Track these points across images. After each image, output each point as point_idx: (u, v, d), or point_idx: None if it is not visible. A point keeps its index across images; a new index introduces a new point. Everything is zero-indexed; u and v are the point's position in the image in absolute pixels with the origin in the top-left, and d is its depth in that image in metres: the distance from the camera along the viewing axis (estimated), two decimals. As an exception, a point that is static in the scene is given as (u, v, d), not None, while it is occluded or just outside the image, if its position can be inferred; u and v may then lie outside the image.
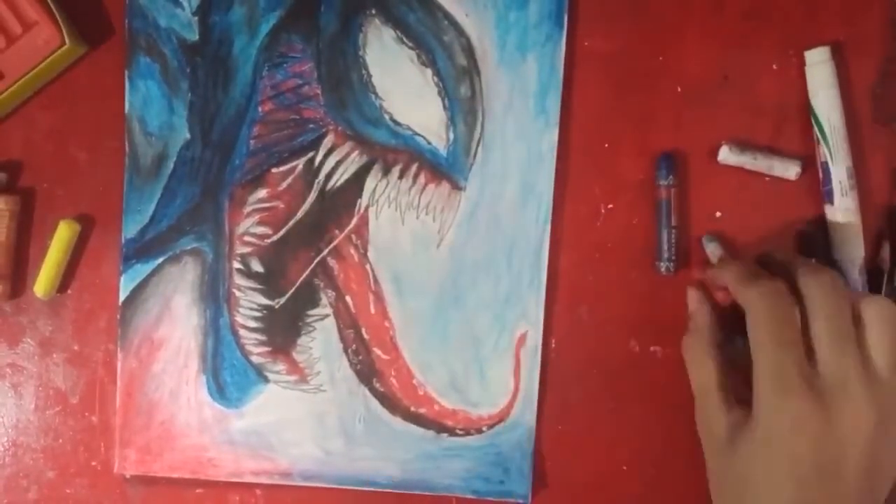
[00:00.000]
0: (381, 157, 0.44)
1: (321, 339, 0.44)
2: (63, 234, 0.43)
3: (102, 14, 0.43)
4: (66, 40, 0.41)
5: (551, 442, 0.44)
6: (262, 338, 0.44)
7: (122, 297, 0.44)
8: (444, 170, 0.44)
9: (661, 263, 0.43)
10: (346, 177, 0.44)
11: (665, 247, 0.43)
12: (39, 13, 0.41)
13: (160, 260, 0.44)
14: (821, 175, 0.43)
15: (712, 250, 0.43)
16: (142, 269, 0.44)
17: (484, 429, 0.44)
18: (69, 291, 0.44)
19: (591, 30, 0.43)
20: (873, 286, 0.43)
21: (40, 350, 0.44)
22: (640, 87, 0.43)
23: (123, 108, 0.43)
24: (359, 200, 0.44)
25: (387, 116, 0.44)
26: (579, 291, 0.44)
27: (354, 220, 0.44)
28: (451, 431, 0.44)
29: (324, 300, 0.44)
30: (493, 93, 0.43)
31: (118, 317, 0.44)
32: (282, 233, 0.44)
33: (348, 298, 0.44)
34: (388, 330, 0.44)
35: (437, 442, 0.44)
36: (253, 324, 0.44)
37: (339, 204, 0.44)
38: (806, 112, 0.43)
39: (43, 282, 0.43)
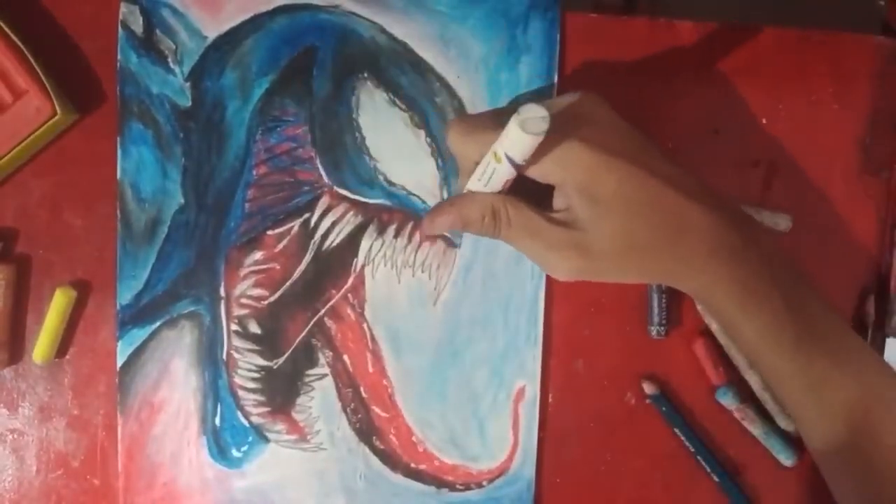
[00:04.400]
0: (377, 217, 0.44)
1: (320, 398, 0.45)
2: (60, 302, 0.43)
3: (93, 81, 0.43)
4: (58, 109, 0.41)
5: (551, 494, 0.45)
6: (261, 398, 0.45)
7: (119, 361, 0.44)
8: (438, 228, 0.44)
9: (653, 328, 0.44)
10: (341, 237, 0.44)
11: (656, 311, 0.43)
12: (29, 82, 0.41)
13: (157, 324, 0.44)
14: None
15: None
16: (138, 334, 0.44)
17: (484, 483, 0.45)
18: (67, 357, 0.44)
19: (582, 88, 0.43)
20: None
21: (40, 415, 0.45)
22: (632, 144, 0.44)
23: (116, 174, 0.43)
24: (355, 260, 0.44)
25: (381, 177, 0.44)
26: (575, 346, 0.45)
27: (351, 280, 0.44)
28: (452, 487, 0.45)
29: (322, 360, 0.45)
30: (486, 151, 0.44)
31: (116, 381, 0.44)
32: (278, 294, 0.44)
33: (346, 358, 0.45)
34: (386, 388, 0.45)
35: (437, 497, 0.45)
36: (252, 385, 0.45)
37: (336, 264, 0.44)
38: (795, 165, 0.43)
39: (41, 348, 0.43)
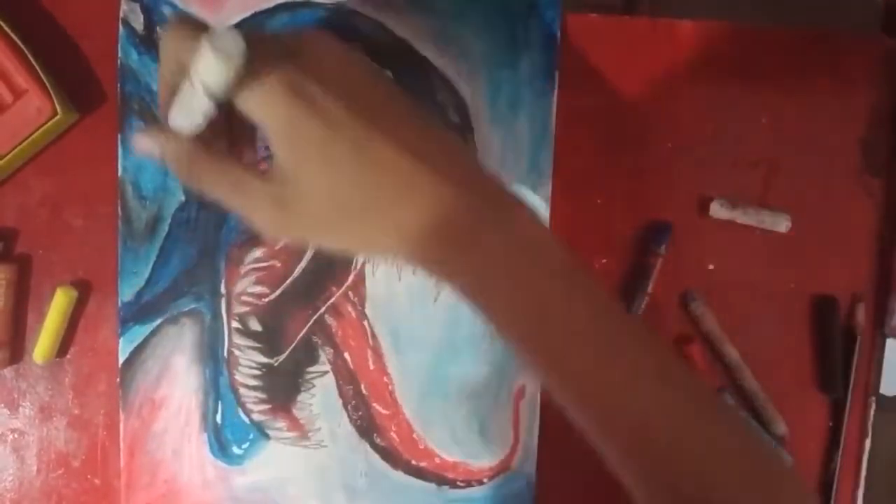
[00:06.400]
0: (377, 216, 0.44)
1: (321, 395, 0.45)
2: (60, 301, 0.43)
3: (94, 81, 0.43)
4: (58, 109, 0.41)
5: (551, 492, 0.45)
6: (262, 395, 0.45)
7: (121, 359, 0.44)
8: (439, 226, 0.44)
9: None
10: (342, 236, 0.44)
11: (632, 310, 0.43)
12: (30, 82, 0.41)
13: (158, 321, 0.44)
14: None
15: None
16: (140, 331, 0.44)
17: (485, 480, 0.45)
18: (68, 356, 0.45)
19: (582, 87, 0.44)
20: (846, 349, 0.44)
21: (41, 414, 0.45)
22: (632, 144, 0.44)
23: (116, 174, 0.43)
24: (355, 258, 0.44)
25: (381, 175, 0.44)
26: (575, 344, 0.45)
27: (351, 277, 0.45)
28: (453, 484, 0.45)
29: (322, 357, 0.45)
30: (485, 149, 0.44)
31: (118, 379, 0.44)
32: (279, 291, 0.44)
33: (347, 355, 0.45)
34: (387, 385, 0.45)
35: (438, 494, 0.45)
36: (253, 382, 0.45)
37: (336, 261, 0.44)
38: (795, 165, 0.43)
39: (42, 347, 0.43)
